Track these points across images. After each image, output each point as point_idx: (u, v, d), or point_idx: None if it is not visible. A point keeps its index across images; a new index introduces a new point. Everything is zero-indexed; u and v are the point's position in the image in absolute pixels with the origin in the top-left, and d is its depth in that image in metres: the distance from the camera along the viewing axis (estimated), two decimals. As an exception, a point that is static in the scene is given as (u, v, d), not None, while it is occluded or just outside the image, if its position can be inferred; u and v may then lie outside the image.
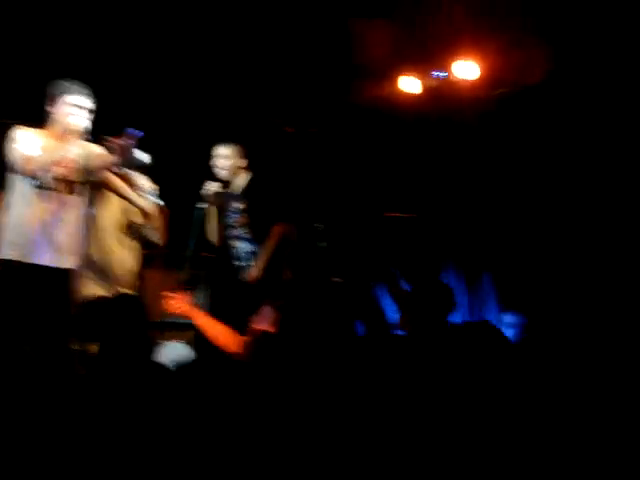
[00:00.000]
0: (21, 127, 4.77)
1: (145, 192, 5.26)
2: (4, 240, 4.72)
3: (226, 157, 5.84)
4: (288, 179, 6.46)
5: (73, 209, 4.79)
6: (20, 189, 4.72)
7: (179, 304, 3.88)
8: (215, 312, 4.23)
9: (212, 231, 5.98)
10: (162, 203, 5.40)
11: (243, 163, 5.88)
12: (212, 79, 7.80)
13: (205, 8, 7.66)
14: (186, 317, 3.90)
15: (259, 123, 7.04)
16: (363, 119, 7.85)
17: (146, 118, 6.42)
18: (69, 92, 4.75)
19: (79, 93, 4.77)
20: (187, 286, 6.67)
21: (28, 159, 4.64)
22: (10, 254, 4.68)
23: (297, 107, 7.71)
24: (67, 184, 4.75)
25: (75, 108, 4.75)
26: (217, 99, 7.76)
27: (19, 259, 4.66)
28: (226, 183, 5.89)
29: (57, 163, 4.69)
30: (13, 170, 4.71)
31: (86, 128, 4.78)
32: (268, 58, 7.71)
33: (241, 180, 5.88)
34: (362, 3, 7.72)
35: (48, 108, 4.76)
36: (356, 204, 7.85)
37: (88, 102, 4.79)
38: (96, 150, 4.85)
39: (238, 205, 5.85)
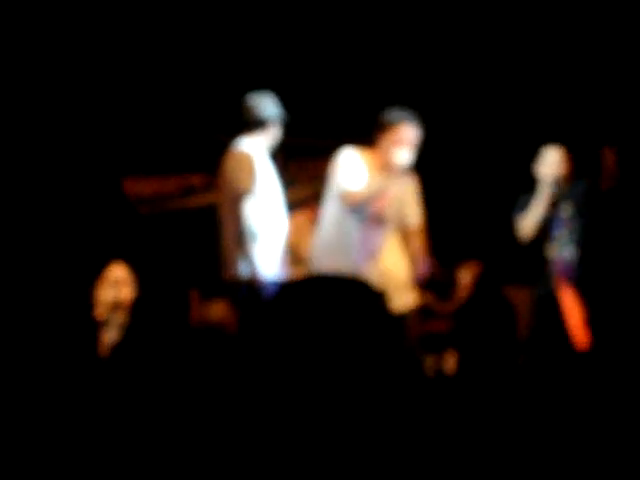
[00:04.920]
0: (350, 148, 4.64)
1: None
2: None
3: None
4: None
5: (380, 238, 4.68)
6: (334, 209, 4.66)
7: None
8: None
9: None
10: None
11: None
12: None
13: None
14: None
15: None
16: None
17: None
18: (404, 123, 4.55)
19: (412, 126, 4.56)
20: None
21: (350, 195, 4.53)
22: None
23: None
24: (379, 220, 4.68)
25: (405, 142, 4.55)
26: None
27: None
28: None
29: (376, 200, 4.56)
30: (333, 193, 4.63)
31: (409, 165, 4.58)
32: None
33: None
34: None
35: (379, 134, 4.59)
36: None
37: (417, 136, 4.59)
38: (412, 190, 4.69)
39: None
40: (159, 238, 7.50)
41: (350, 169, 4.56)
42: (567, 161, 5.31)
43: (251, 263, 4.69)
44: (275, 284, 4.75)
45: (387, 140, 4.57)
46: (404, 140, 4.57)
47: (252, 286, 4.71)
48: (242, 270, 4.73)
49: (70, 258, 6.80)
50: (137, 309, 5.83)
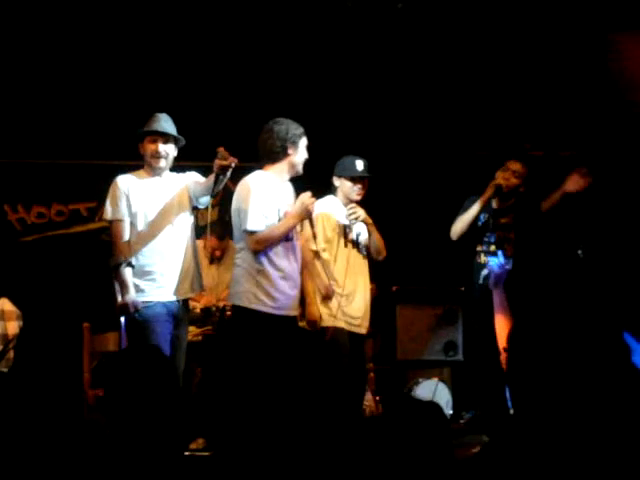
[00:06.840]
0: (257, 172, 4.69)
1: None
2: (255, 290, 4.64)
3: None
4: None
5: (299, 253, 4.80)
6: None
7: None
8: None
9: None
10: None
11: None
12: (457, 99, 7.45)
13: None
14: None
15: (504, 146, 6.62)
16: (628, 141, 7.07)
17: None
18: (304, 134, 4.78)
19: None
20: (444, 322, 6.53)
21: (257, 238, 4.57)
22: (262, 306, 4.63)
23: (548, 129, 7.19)
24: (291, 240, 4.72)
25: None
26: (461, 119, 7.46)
27: (271, 311, 4.62)
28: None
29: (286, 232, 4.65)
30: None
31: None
32: (520, 78, 7.24)
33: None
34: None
35: (289, 151, 4.68)
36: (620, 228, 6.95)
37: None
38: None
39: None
40: (46, 268, 7.26)
41: (261, 190, 4.64)
42: (519, 176, 5.71)
43: (123, 290, 4.63)
44: (156, 308, 4.67)
45: (299, 153, 4.75)
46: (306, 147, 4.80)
47: (127, 314, 4.65)
48: (119, 298, 4.70)
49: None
50: (23, 343, 5.63)
